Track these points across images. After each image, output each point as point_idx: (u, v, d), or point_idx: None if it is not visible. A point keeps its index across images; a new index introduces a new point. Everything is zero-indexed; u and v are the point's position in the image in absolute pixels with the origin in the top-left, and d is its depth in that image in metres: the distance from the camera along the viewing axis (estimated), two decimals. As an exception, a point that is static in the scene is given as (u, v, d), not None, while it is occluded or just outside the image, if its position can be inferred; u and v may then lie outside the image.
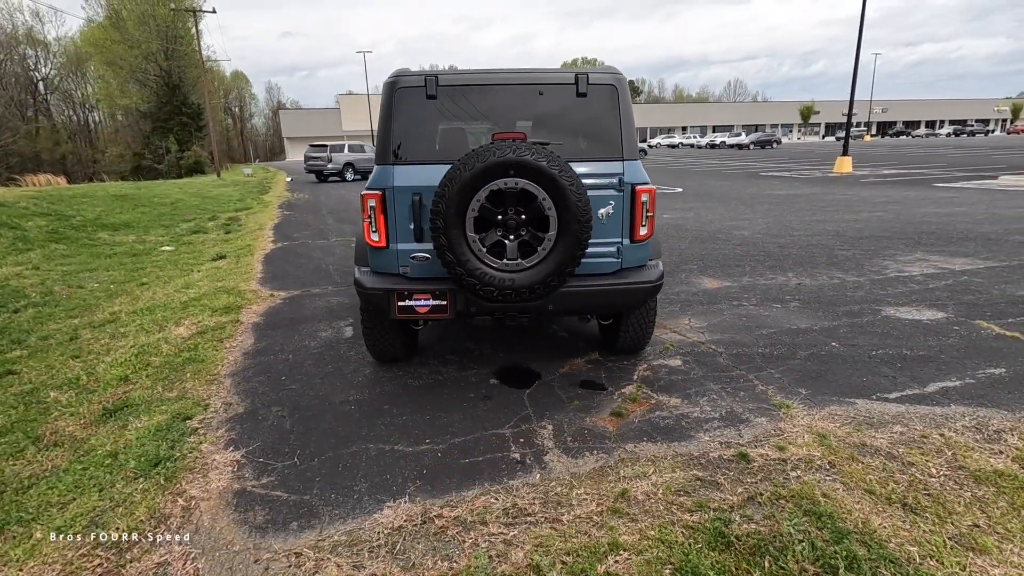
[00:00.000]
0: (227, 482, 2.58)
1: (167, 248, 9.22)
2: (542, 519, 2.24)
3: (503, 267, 2.85)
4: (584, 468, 2.58)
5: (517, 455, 2.71)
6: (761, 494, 2.33)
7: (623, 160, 3.11)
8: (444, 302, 3.11)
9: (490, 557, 2.06)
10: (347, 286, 6.08)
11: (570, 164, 2.78)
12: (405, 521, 2.26)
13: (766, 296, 5.19)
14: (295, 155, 65.71)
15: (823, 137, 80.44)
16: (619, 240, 3.15)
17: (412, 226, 3.10)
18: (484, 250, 2.83)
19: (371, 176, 3.18)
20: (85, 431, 3.11)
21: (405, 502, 2.39)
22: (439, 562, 2.05)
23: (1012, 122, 75.88)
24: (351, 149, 25.26)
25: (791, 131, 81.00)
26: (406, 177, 3.07)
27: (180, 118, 43.71)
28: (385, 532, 2.21)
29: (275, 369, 3.85)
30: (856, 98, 21.78)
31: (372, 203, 3.07)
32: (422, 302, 3.12)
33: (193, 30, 37.77)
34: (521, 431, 2.93)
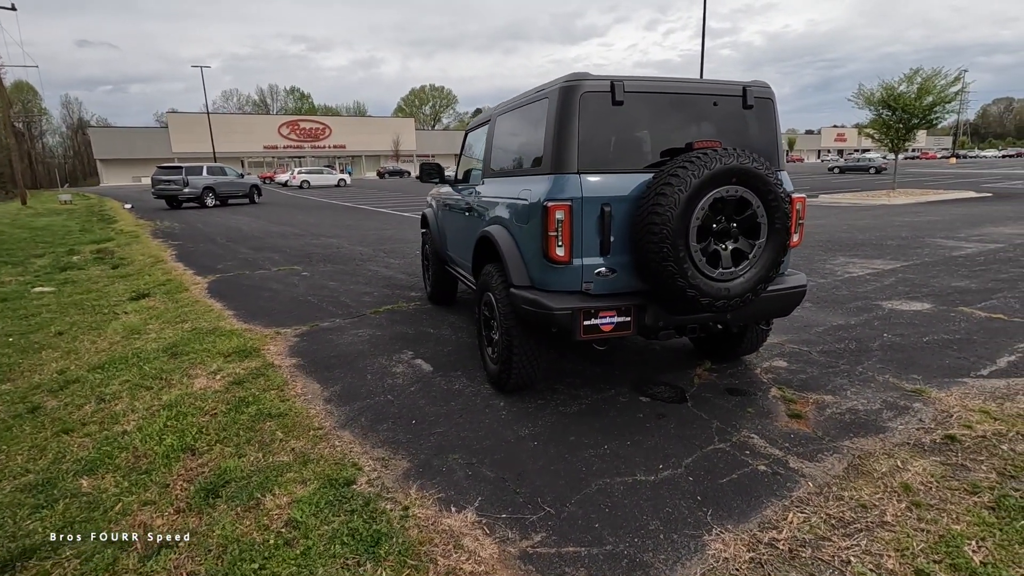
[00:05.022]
0: (496, 546, 2.13)
1: (44, 289, 7.38)
2: (867, 524, 2.20)
3: (719, 276, 2.78)
4: (837, 469, 2.59)
5: (763, 467, 2.63)
6: (1006, 468, 2.55)
7: (779, 170, 3.24)
8: (628, 318, 2.94)
9: (869, 570, 1.97)
10: (357, 317, 5.41)
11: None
12: (746, 550, 2.07)
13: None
14: (112, 179, 56.95)
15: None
16: None
17: (599, 239, 2.89)
18: (704, 260, 2.74)
19: (547, 185, 2.91)
20: (198, 521, 2.35)
21: (719, 531, 2.19)
22: (826, 587, 1.91)
23: (789, 152, 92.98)
24: (210, 171, 22.58)
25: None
26: (595, 186, 2.86)
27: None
28: (743, 565, 2.00)
29: (388, 413, 3.28)
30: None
31: (561, 215, 2.81)
32: (608, 320, 2.90)
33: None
34: (735, 443, 2.85)
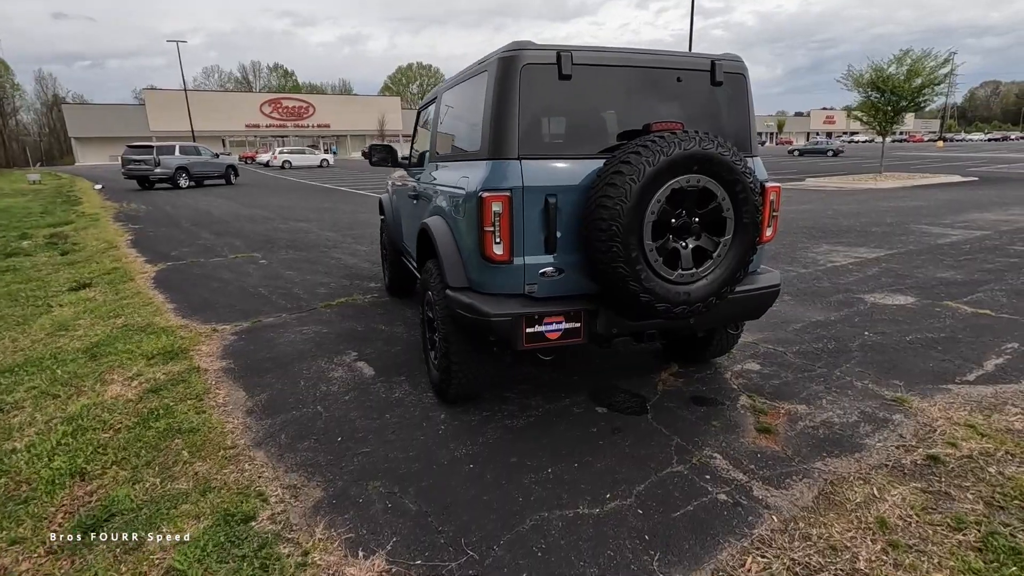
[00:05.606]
0: (402, 607, 1.80)
1: (-18, 277, 6.90)
2: (836, 572, 1.90)
3: (678, 278, 2.44)
4: (806, 498, 2.29)
5: (723, 496, 2.32)
6: (994, 497, 2.26)
7: (752, 156, 2.89)
8: (578, 324, 2.59)
9: (835, 636, 1.67)
10: (307, 312, 5.03)
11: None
12: (694, 611, 1.77)
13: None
14: (89, 158, 55.41)
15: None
16: None
17: (544, 235, 2.53)
18: (660, 260, 2.39)
19: (482, 174, 2.54)
20: (68, 566, 2.00)
21: (665, 584, 1.88)
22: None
23: (778, 135, 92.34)
24: (183, 151, 21.82)
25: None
26: (538, 175, 2.49)
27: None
28: (689, 633, 1.69)
29: (313, 428, 2.93)
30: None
31: (498, 207, 2.44)
32: (554, 326, 2.56)
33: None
34: (695, 466, 2.54)
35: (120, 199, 17.21)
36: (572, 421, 2.97)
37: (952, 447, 2.62)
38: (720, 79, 2.75)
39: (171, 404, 3.20)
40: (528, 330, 2.52)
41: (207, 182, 22.92)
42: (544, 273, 2.57)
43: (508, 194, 2.45)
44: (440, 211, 3.10)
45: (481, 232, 2.48)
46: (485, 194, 2.44)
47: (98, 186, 23.16)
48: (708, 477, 2.45)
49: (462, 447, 2.73)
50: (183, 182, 21.24)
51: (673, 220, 2.41)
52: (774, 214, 2.96)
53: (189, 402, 3.23)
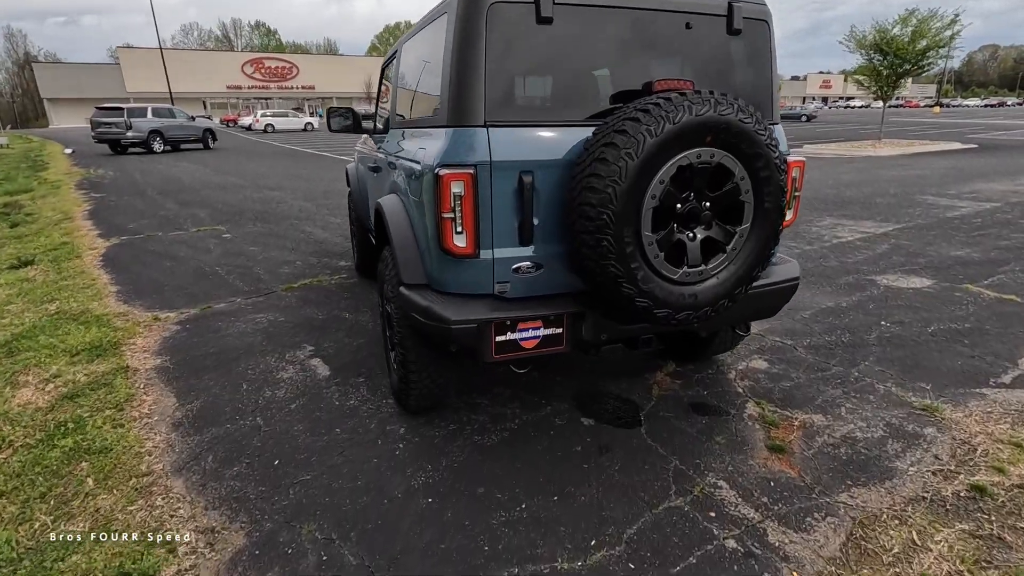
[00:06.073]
0: None
1: (-82, 253, 6.31)
2: (877, 658, 1.51)
3: (683, 277, 1.97)
4: (832, 545, 1.89)
5: (732, 542, 1.91)
6: (1058, 544, 1.87)
7: (774, 124, 2.39)
8: (560, 330, 2.14)
9: None
10: (264, 295, 4.54)
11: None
12: None
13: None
14: (63, 121, 53.44)
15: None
16: None
17: (518, 223, 2.04)
18: (661, 256, 1.92)
19: (440, 146, 2.03)
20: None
21: None
22: None
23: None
24: (156, 113, 20.74)
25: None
26: (510, 146, 1.99)
27: None
28: None
29: (248, 447, 2.49)
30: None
31: (459, 188, 1.94)
32: (530, 333, 2.10)
33: None
34: (697, 498, 2.13)
35: (89, 164, 16.34)
36: (553, 437, 2.54)
37: (999, 473, 2.23)
38: (739, 26, 2.23)
39: (85, 415, 2.73)
40: (498, 339, 2.06)
41: (184, 146, 21.92)
42: (518, 269, 2.09)
43: (472, 171, 1.95)
44: (396, 189, 2.59)
45: (439, 219, 1.99)
46: (443, 171, 1.94)
47: (68, 150, 22.12)
48: (713, 515, 2.04)
49: (421, 473, 2.29)
50: (157, 146, 20.25)
51: (679, 206, 1.93)
52: (796, 194, 2.48)
53: (107, 412, 2.76)
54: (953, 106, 76.20)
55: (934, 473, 2.25)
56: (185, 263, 5.55)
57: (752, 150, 1.90)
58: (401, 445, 2.49)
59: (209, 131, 22.86)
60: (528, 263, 2.09)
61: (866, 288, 4.50)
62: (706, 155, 1.86)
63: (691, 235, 1.97)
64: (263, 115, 38.46)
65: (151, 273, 5.20)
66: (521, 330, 2.09)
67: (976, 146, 18.16)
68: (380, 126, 3.89)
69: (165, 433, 2.61)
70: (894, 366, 3.16)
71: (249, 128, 38.36)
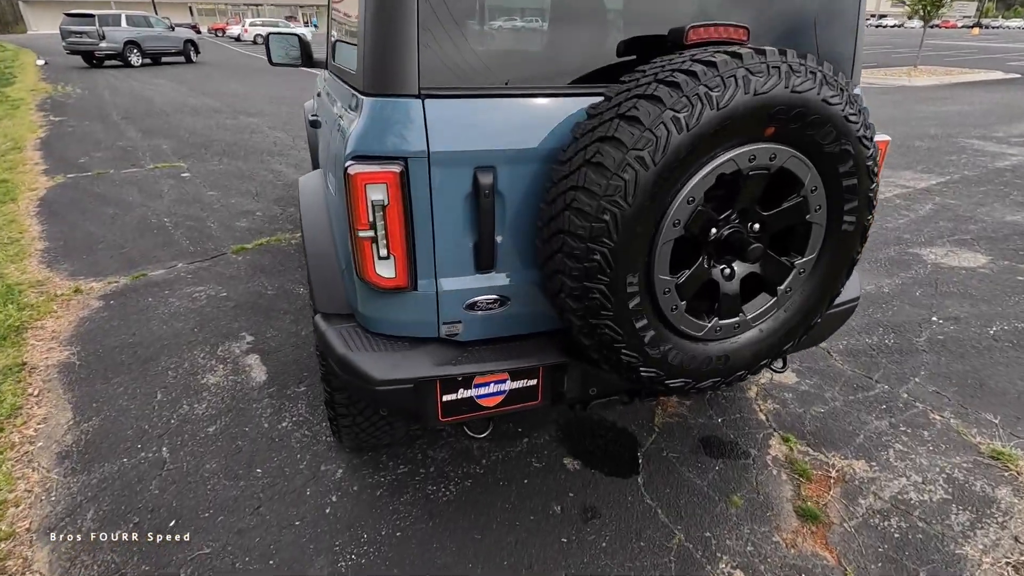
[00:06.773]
0: None
1: None
2: None
3: (712, 333, 1.35)
4: None
5: None
6: None
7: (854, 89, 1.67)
8: (533, 382, 1.55)
9: None
10: (211, 259, 3.92)
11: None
12: None
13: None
14: (43, 26, 50.34)
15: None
16: None
17: (473, 241, 1.40)
18: (682, 306, 1.29)
19: (357, 125, 1.34)
20: None
21: None
22: None
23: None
24: (131, 21, 19.12)
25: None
26: (459, 128, 1.30)
27: None
28: None
29: (142, 494, 1.98)
30: None
31: (379, 194, 1.28)
32: (492, 388, 1.52)
33: None
34: (706, 602, 1.63)
35: (59, 79, 15.13)
36: (526, 488, 2.02)
37: (1101, 570, 1.71)
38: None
39: (-47, 438, 2.22)
40: (446, 398, 1.48)
41: (165, 59, 20.39)
42: (475, 305, 1.47)
43: (399, 167, 1.27)
44: (326, 166, 1.91)
45: (354, 238, 1.34)
46: (355, 168, 1.27)
47: (41, 61, 20.65)
48: (727, 634, 1.55)
49: (354, 547, 1.79)
50: (135, 59, 18.81)
51: (714, 230, 1.27)
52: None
53: (-18, 434, 2.25)
54: (994, 27, 70.97)
55: (1014, 567, 1.73)
56: (130, 211, 4.88)
57: (836, 147, 1.22)
58: (334, 498, 1.97)
59: (190, 42, 21.16)
60: (489, 296, 1.47)
61: (911, 266, 3.85)
62: (763, 156, 1.18)
63: (727, 270, 1.33)
64: (252, 24, 35.92)
65: (88, 225, 4.55)
66: (477, 386, 1.50)
67: (1019, 76, 16.65)
68: (334, 59, 3.08)
69: (46, 469, 2.09)
70: (951, 385, 2.59)
71: (238, 39, 35.96)
